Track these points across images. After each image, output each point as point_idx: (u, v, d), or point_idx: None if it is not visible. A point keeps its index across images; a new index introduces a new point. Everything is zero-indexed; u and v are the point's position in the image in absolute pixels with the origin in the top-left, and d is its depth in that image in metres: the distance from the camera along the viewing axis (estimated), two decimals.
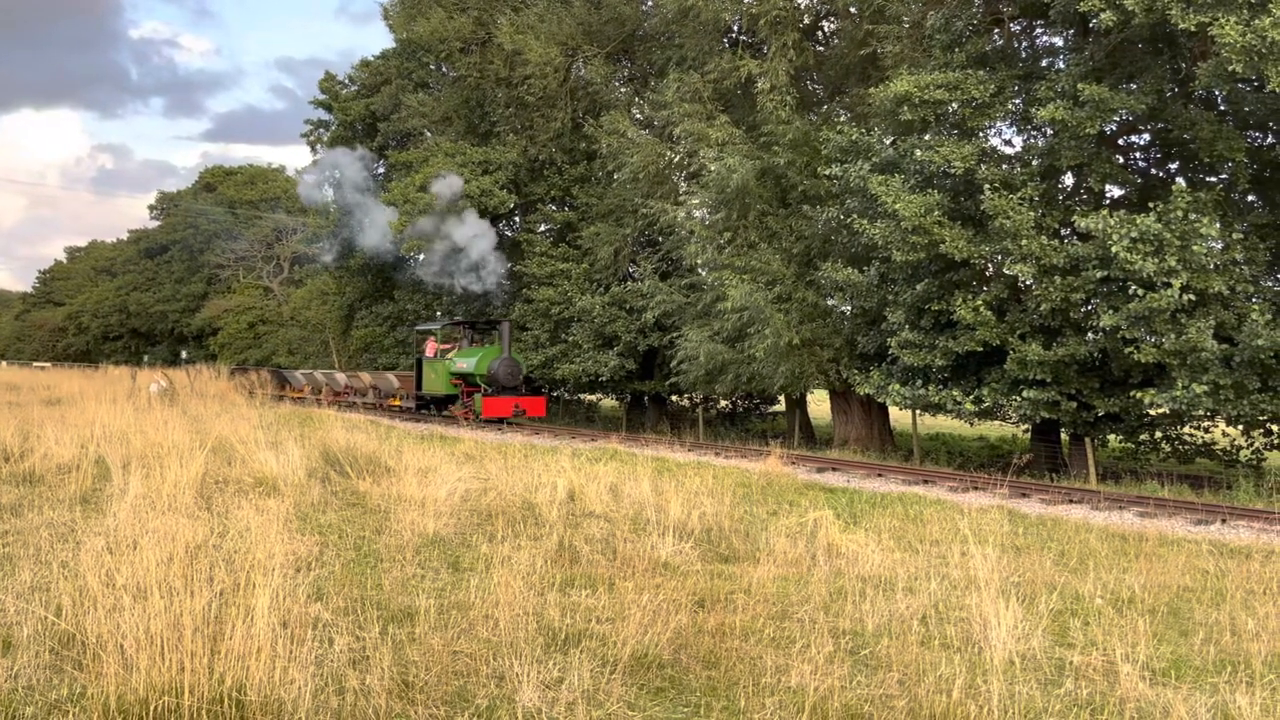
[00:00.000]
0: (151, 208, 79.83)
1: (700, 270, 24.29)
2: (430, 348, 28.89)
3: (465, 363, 27.06)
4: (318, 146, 41.16)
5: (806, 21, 24.31)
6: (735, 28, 25.14)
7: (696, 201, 23.48)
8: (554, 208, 32.20)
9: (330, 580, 7.10)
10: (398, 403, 31.11)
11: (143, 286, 74.86)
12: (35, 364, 70.18)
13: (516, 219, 35.30)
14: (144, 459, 11.50)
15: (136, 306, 73.91)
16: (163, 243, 74.38)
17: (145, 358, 70.18)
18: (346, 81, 39.46)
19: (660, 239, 26.39)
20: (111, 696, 4.43)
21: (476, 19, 31.31)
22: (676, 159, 25.29)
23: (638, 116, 28.46)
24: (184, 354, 64.55)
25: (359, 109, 37.26)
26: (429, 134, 33.08)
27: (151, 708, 4.38)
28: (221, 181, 73.87)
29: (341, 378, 34.82)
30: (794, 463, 17.41)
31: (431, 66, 34.85)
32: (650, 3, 28.97)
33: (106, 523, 8.19)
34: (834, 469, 17.34)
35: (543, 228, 32.78)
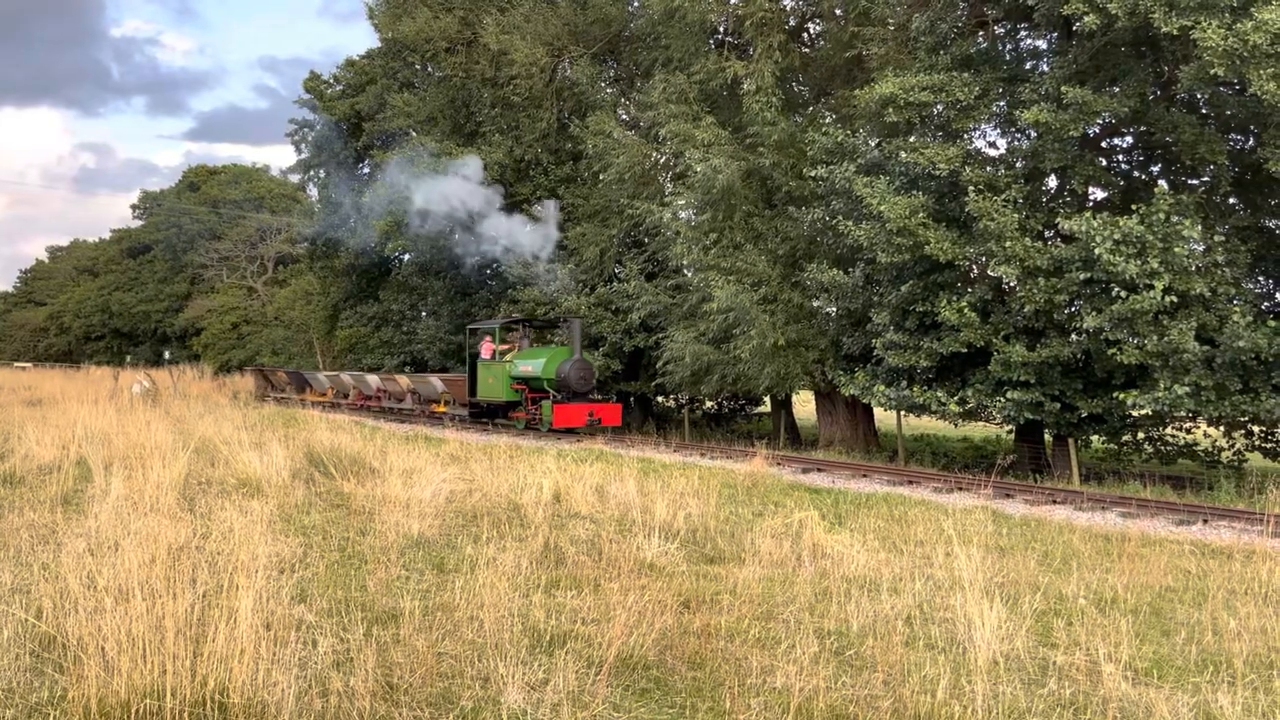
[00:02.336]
0: (134, 207, 79.37)
1: (686, 271, 24.31)
2: (486, 349, 25.71)
3: (530, 365, 24.21)
4: (302, 146, 40.99)
5: (792, 23, 24.37)
6: (721, 29, 25.17)
7: (682, 202, 23.48)
8: (540, 208, 32.14)
9: (314, 582, 7.07)
10: (443, 409, 28.04)
11: (125, 286, 74.37)
12: (16, 364, 69.60)
13: (502, 219, 35.24)
14: (126, 460, 11.42)
15: (119, 306, 73.43)
16: (145, 242, 73.92)
17: (128, 358, 69.74)
18: (331, 81, 39.31)
19: (646, 240, 26.39)
20: (92, 699, 4.40)
21: (462, 19, 31.25)
22: (662, 160, 25.30)
23: (624, 117, 28.46)
24: (167, 354, 64.17)
25: (344, 108, 37.13)
26: (414, 134, 32.99)
27: (133, 711, 4.35)
28: (205, 181, 73.49)
29: (374, 380, 31.89)
30: (779, 464, 17.43)
31: (417, 66, 34.75)
32: (636, 3, 28.98)
33: (88, 524, 8.13)
34: (819, 470, 17.37)
35: (528, 228, 32.71)
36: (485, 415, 26.33)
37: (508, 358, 24.95)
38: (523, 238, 27.80)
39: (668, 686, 5.31)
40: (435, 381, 28.26)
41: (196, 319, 63.64)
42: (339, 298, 40.06)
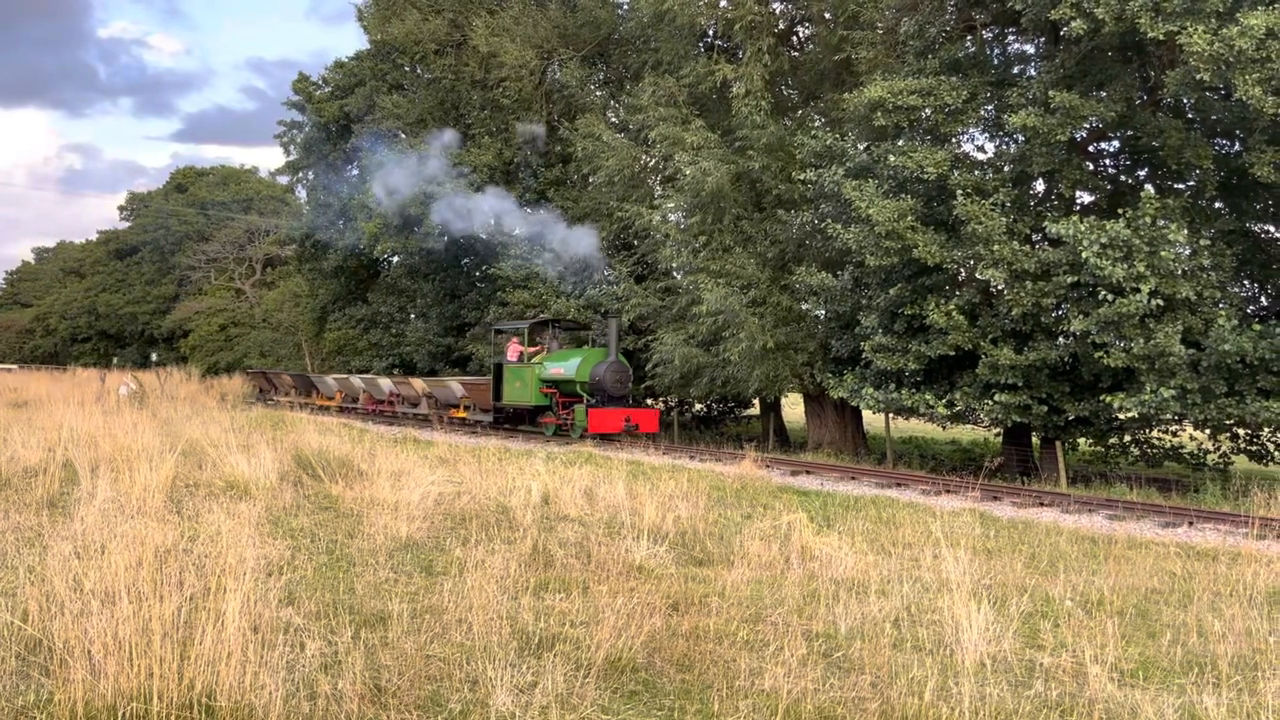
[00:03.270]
0: (121, 208, 78.99)
1: (675, 273, 24.34)
2: (513, 350, 24.38)
3: (561, 368, 22.86)
4: (291, 148, 40.89)
5: (781, 27, 24.43)
6: (710, 32, 25.21)
7: (671, 205, 23.52)
8: (529, 211, 32.15)
9: (302, 584, 7.06)
10: (462, 414, 26.48)
11: (112, 288, 73.99)
12: (2, 366, 69.18)
13: (492, 221, 35.22)
14: (113, 462, 11.37)
15: (105, 308, 73.05)
16: (133, 244, 73.56)
17: (114, 360, 69.37)
18: (320, 82, 39.25)
19: (635, 242, 26.40)
20: (79, 703, 4.38)
21: (452, 21, 31.24)
22: (652, 163, 25.33)
23: (613, 120, 28.48)
24: (154, 356, 63.86)
25: (333, 110, 37.07)
26: (404, 135, 32.95)
27: (120, 714, 4.33)
28: (193, 182, 73.19)
29: (386, 384, 30.32)
30: (768, 466, 17.46)
31: (406, 68, 34.73)
32: (626, 6, 29.01)
33: (74, 527, 8.09)
34: (808, 472, 17.40)
35: (518, 230, 32.71)
36: (511, 421, 25.00)
37: (536, 359, 23.63)
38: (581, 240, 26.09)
39: (656, 689, 5.31)
40: (454, 385, 26.87)
41: (184, 321, 63.35)
42: (327, 300, 39.98)
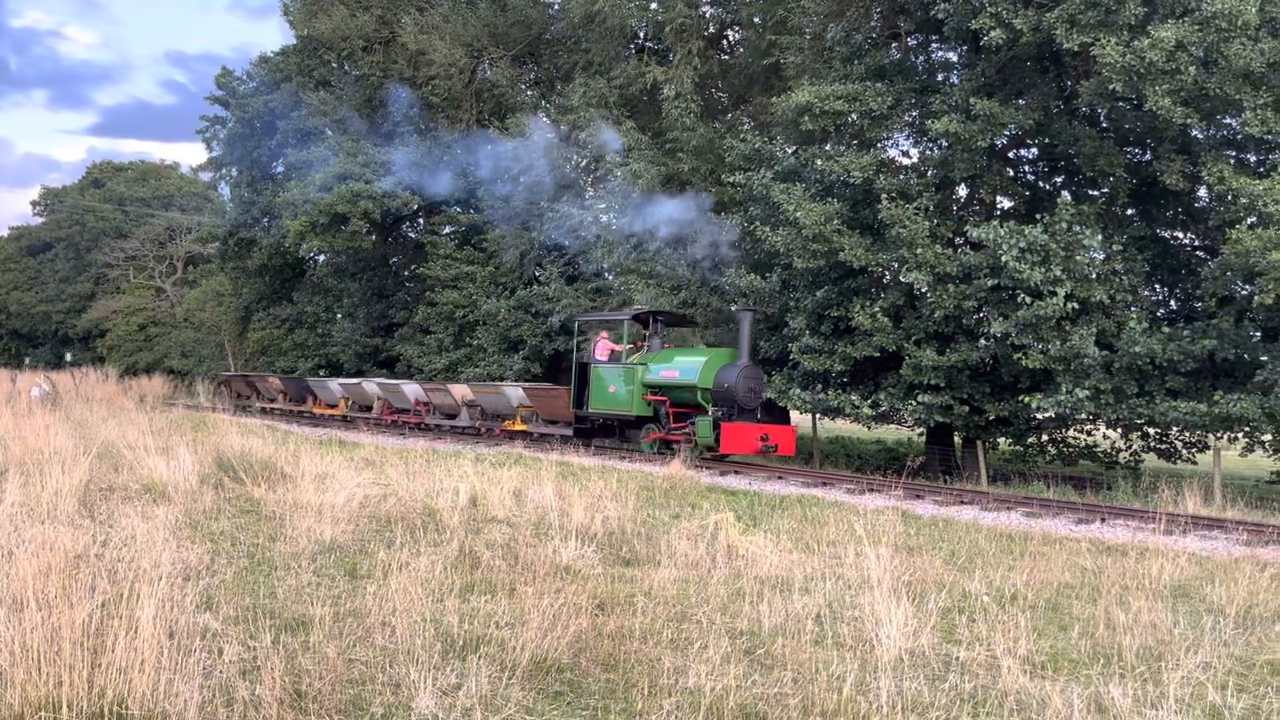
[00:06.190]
0: (34, 203, 76.40)
1: (607, 274, 24.38)
2: (602, 348, 20.29)
3: (674, 370, 18.79)
4: (214, 144, 39.98)
5: (711, 30, 24.65)
6: (641, 34, 25.34)
7: (603, 206, 23.56)
8: (459, 210, 31.92)
9: (221, 589, 6.92)
10: (520, 426, 22.30)
11: (24, 285, 71.49)
12: None
13: (420, 220, 34.90)
14: (23, 466, 11.01)
15: (17, 306, 70.56)
16: (46, 240, 71.18)
17: (26, 360, 67.07)
18: (244, 78, 38.45)
19: (567, 243, 26.40)
20: None
21: (380, 17, 30.88)
22: (583, 163, 25.34)
23: (544, 120, 28.42)
24: (69, 356, 61.91)
25: (258, 106, 36.34)
26: (330, 132, 32.45)
27: None
28: (110, 177, 71.05)
29: (413, 391, 25.69)
30: (697, 466, 17.57)
31: (333, 65, 34.22)
32: (556, 7, 28.98)
33: None
34: (736, 472, 17.54)
35: (447, 230, 32.46)
36: (600, 434, 21.07)
37: (633, 359, 19.81)
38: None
39: (581, 689, 5.33)
40: (510, 391, 22.67)
41: (101, 320, 61.50)
42: (252, 299, 39.17)
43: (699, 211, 20.58)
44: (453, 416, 24.47)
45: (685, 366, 18.61)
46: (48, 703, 4.29)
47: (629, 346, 20.13)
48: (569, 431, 21.09)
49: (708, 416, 18.06)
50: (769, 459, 18.87)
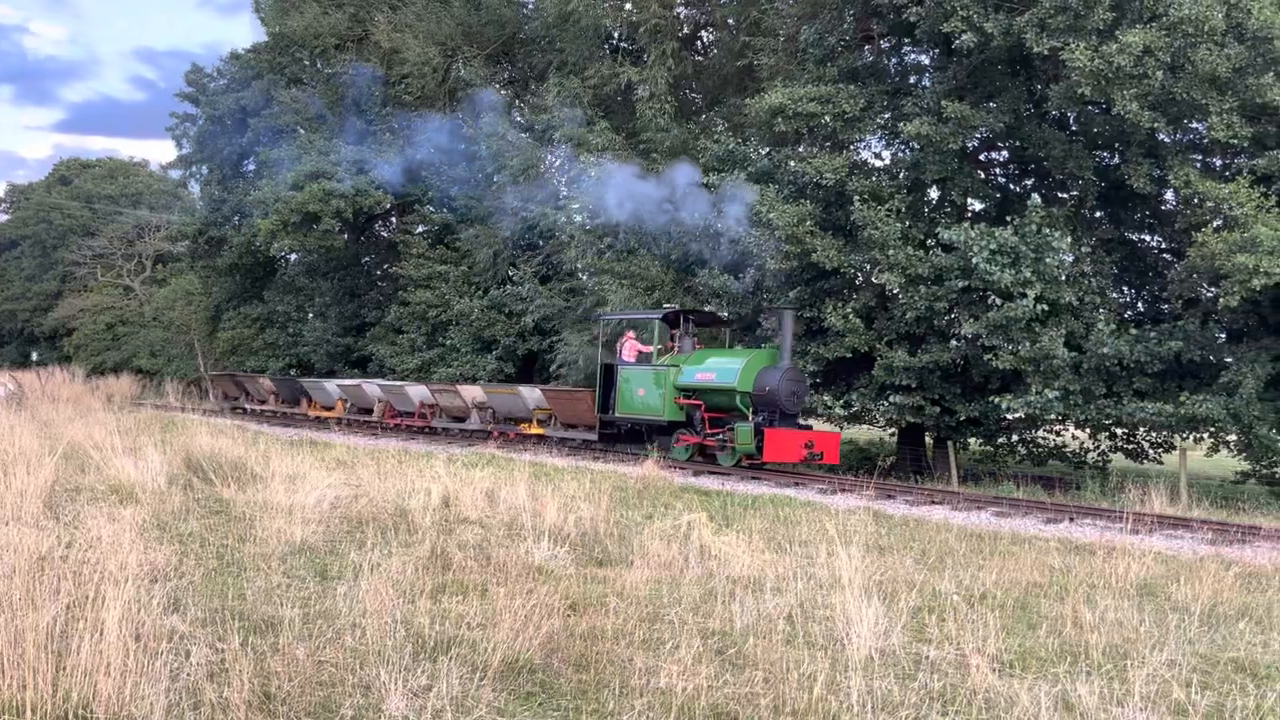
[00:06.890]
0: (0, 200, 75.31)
1: (580, 274, 24.35)
2: (630, 349, 19.32)
3: (710, 372, 17.71)
4: (184, 141, 39.57)
5: (685, 31, 24.70)
6: (615, 34, 25.33)
7: (577, 206, 23.53)
8: (432, 209, 31.78)
9: (189, 591, 6.85)
10: (536, 430, 21.27)
11: None
12: None
13: (393, 219, 34.70)
14: None
15: None
16: (12, 238, 70.13)
17: None
18: (215, 75, 38.09)
19: (540, 242, 26.35)
20: None
21: (353, 15, 30.70)
22: (557, 163, 25.31)
23: (518, 119, 28.36)
24: (35, 356, 61.05)
25: (229, 103, 36.00)
26: (302, 131, 32.21)
27: None
28: (78, 174, 70.11)
29: (418, 393, 24.47)
30: (671, 467, 17.57)
31: (306, 63, 33.97)
32: (531, 6, 28.93)
33: None
34: (710, 473, 17.57)
35: (420, 229, 32.29)
36: (627, 439, 19.98)
37: (663, 360, 18.84)
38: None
39: (553, 689, 5.32)
40: (527, 393, 21.71)
41: (68, 319, 60.68)
42: (222, 298, 38.77)
43: (674, 189, 19.94)
44: (461, 419, 23.43)
45: (723, 369, 17.58)
46: (11, 706, 4.24)
47: (659, 348, 19.30)
48: (592, 436, 20.25)
49: (748, 422, 16.92)
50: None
